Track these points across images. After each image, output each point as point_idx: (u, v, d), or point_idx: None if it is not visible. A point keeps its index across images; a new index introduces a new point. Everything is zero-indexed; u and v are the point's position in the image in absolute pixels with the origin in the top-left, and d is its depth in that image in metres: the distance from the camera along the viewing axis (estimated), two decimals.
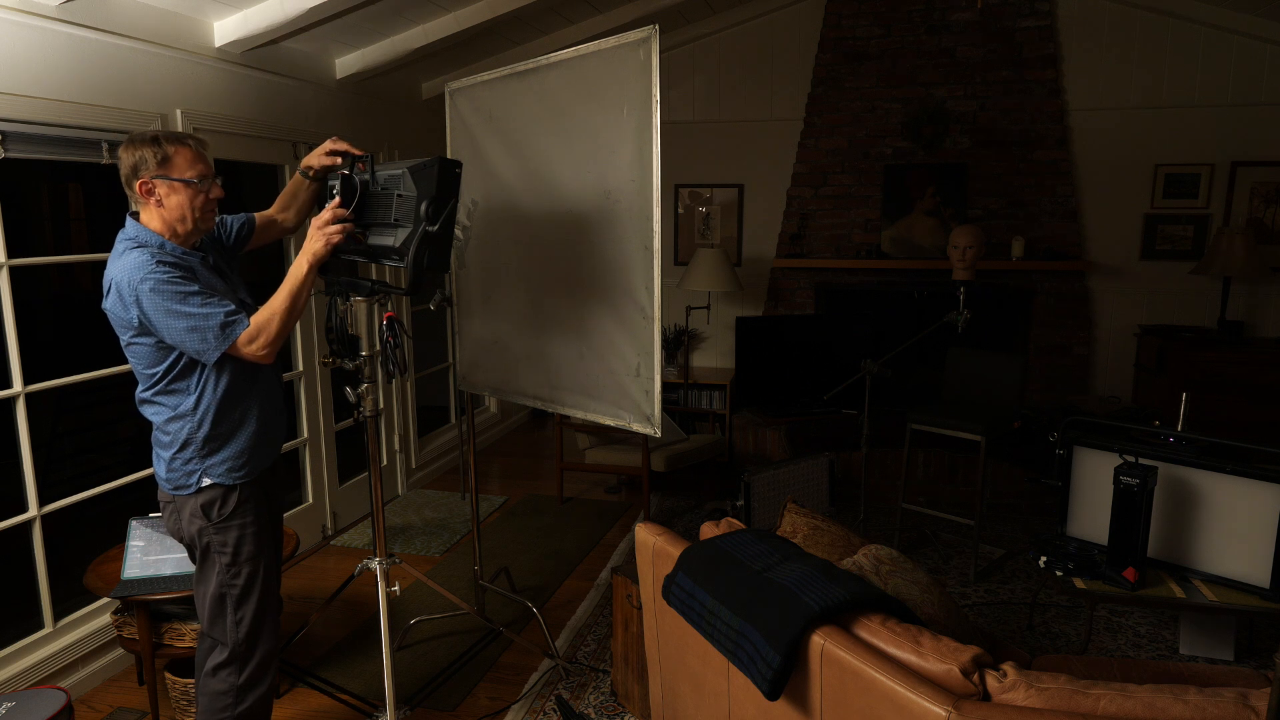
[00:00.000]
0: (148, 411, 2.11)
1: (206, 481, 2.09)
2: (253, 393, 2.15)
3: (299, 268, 2.06)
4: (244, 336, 1.99)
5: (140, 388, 2.10)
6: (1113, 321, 5.60)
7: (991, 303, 5.51)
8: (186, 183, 2.01)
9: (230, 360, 2.06)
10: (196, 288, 1.97)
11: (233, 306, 2.00)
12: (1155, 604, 2.78)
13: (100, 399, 3.67)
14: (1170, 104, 5.33)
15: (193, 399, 2.06)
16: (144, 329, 1.97)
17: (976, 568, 3.80)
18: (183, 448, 2.08)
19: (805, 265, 5.76)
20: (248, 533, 2.14)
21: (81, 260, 3.32)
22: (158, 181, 2.00)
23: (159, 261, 1.96)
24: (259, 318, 2.01)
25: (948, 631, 2.09)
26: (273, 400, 2.23)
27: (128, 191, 2.03)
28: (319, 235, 2.09)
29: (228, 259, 2.29)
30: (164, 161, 1.99)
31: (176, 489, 2.11)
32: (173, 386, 2.05)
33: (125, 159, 2.00)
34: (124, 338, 2.03)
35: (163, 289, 1.92)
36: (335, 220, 2.11)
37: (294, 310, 2.04)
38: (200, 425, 2.07)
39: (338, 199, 2.15)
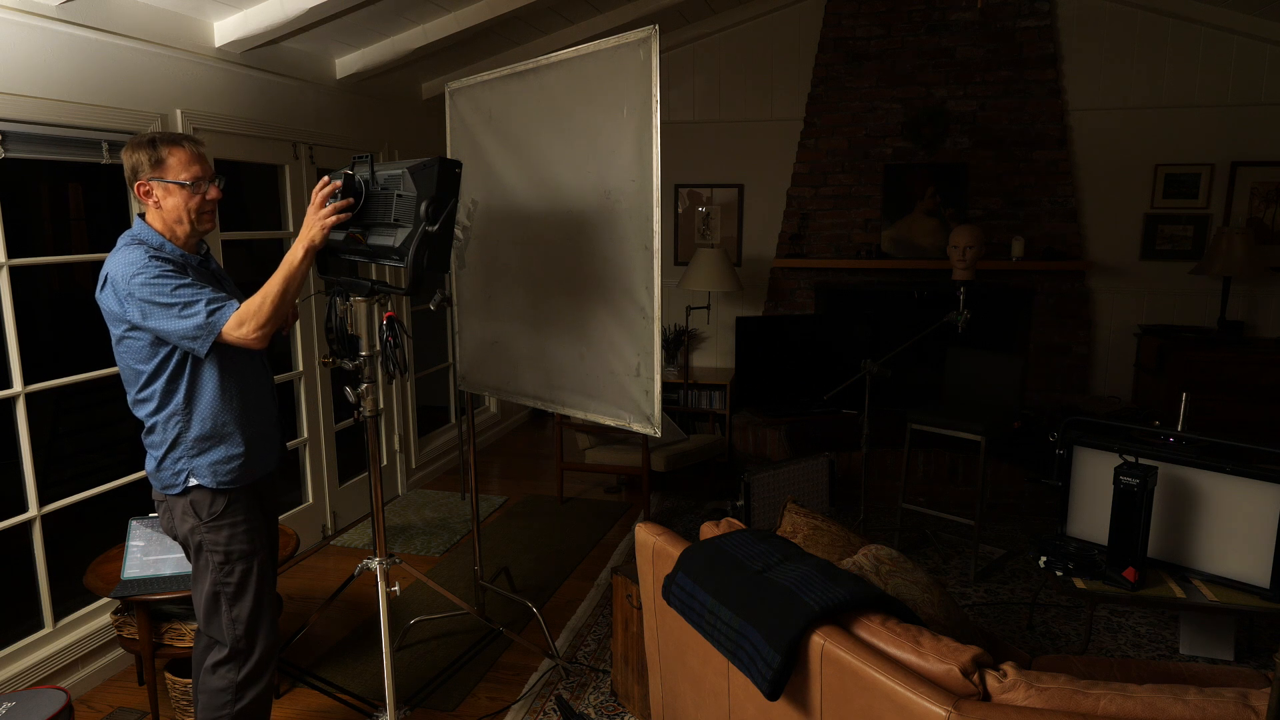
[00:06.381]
0: (140, 412, 2.12)
1: (194, 482, 2.10)
2: (244, 398, 2.15)
3: (294, 254, 2.04)
4: (233, 320, 1.97)
5: (132, 389, 2.10)
6: (1113, 321, 5.60)
7: (991, 303, 5.51)
8: (181, 185, 2.04)
9: (221, 361, 2.08)
10: (188, 279, 1.99)
11: (222, 294, 2.01)
12: (1155, 604, 2.78)
13: (100, 399, 3.67)
14: (1170, 104, 5.33)
15: (182, 397, 2.06)
16: (136, 325, 1.99)
17: (976, 568, 3.80)
18: (173, 447, 2.09)
19: (805, 265, 5.76)
20: (239, 531, 2.14)
21: (81, 260, 3.32)
22: (154, 184, 2.04)
23: (152, 257, 1.99)
24: (251, 302, 1.99)
25: (948, 631, 2.09)
26: (263, 407, 2.23)
27: (131, 193, 2.06)
28: (315, 222, 2.07)
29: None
30: (158, 164, 2.03)
31: (165, 488, 2.12)
32: (165, 386, 2.06)
33: (125, 162, 2.05)
34: (116, 332, 2.05)
35: (153, 282, 1.95)
36: (333, 210, 2.08)
37: (286, 295, 2.01)
38: (190, 425, 2.08)
39: (340, 192, 2.13)
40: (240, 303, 2.00)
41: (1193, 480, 2.85)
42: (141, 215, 2.10)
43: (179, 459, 2.09)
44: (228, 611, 2.15)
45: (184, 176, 2.04)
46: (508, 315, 3.08)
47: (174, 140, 2.06)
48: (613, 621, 2.83)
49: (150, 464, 2.14)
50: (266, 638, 2.21)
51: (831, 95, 5.67)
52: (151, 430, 2.11)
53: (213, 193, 2.10)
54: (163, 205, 2.05)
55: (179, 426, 2.07)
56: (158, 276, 1.95)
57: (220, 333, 1.98)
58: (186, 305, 1.95)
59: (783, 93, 5.86)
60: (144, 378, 2.06)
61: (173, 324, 1.96)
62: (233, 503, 2.13)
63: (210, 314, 1.96)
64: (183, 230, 2.08)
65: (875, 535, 4.25)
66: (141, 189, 2.04)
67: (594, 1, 4.71)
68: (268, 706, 2.29)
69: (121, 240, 2.07)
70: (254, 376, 2.20)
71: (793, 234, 5.84)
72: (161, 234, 2.07)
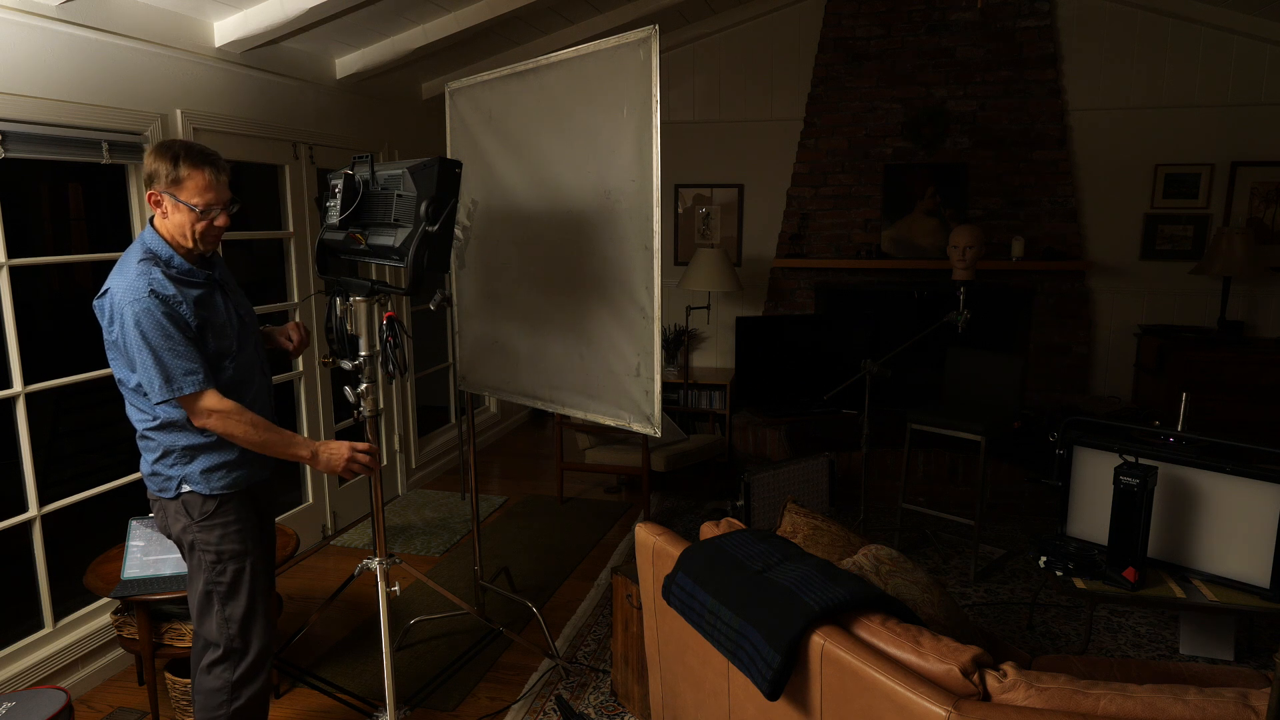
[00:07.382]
0: (134, 417, 2.12)
1: (186, 488, 2.10)
2: (240, 403, 2.15)
3: (298, 450, 2.12)
4: (204, 403, 2.00)
5: (124, 390, 2.10)
6: (1113, 321, 5.60)
7: (991, 303, 5.51)
8: (190, 208, 2.03)
9: (218, 366, 2.09)
10: (178, 333, 1.97)
11: (195, 366, 2.00)
12: (1155, 604, 2.78)
13: (100, 399, 3.67)
14: (1170, 104, 5.33)
15: (174, 407, 2.05)
16: (118, 343, 2.00)
17: (976, 568, 3.80)
18: (164, 454, 2.09)
19: (805, 265, 5.76)
20: (231, 531, 2.14)
21: (81, 260, 3.33)
22: (165, 196, 2.03)
23: (158, 284, 1.98)
24: (241, 417, 2.04)
25: (948, 631, 2.09)
26: (260, 411, 2.21)
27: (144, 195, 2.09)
28: (346, 456, 2.17)
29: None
30: (175, 182, 2.01)
31: (160, 491, 2.13)
32: None
33: (146, 164, 2.04)
34: (108, 337, 2.05)
35: (146, 321, 1.94)
36: (361, 461, 2.19)
37: (253, 445, 2.08)
38: (181, 433, 2.08)
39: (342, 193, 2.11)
40: (210, 383, 2.02)
41: (1193, 480, 2.85)
42: (152, 220, 2.11)
43: (171, 465, 2.10)
44: (220, 611, 2.15)
45: (196, 201, 2.02)
46: (508, 315, 3.08)
47: (197, 163, 2.02)
48: (613, 621, 2.82)
49: (144, 467, 2.15)
50: (261, 638, 2.20)
51: (831, 95, 5.67)
52: (144, 435, 2.11)
53: (222, 220, 2.08)
54: (169, 217, 2.05)
55: (171, 434, 2.07)
56: (149, 317, 1.95)
57: (186, 401, 2.00)
58: (161, 365, 1.95)
59: (783, 93, 5.86)
60: (134, 385, 2.05)
61: (144, 372, 1.97)
62: (224, 503, 2.14)
63: (169, 382, 1.96)
64: (185, 244, 2.08)
65: (875, 535, 4.25)
66: (153, 198, 2.04)
67: (594, 1, 4.71)
68: (265, 706, 2.28)
69: (133, 252, 2.05)
70: (251, 381, 2.20)
71: (793, 234, 5.84)
72: (169, 241, 2.07)
